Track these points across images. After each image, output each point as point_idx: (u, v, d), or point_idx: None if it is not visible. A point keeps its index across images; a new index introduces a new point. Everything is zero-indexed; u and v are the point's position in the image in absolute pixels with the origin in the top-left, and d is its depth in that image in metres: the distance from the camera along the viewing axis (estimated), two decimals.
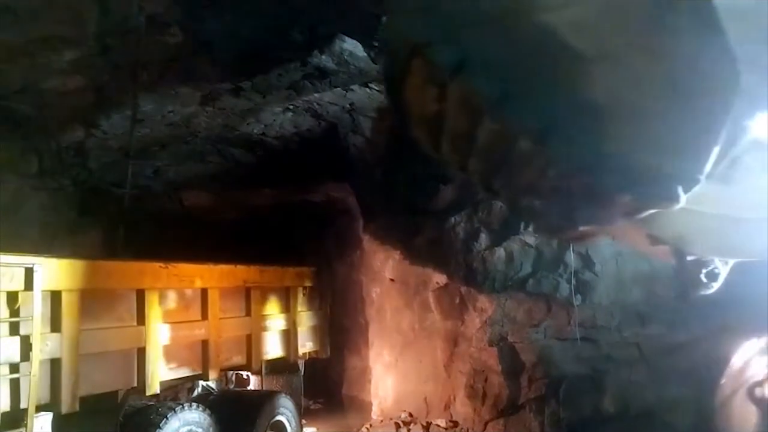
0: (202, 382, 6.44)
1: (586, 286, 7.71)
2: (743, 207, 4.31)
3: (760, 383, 4.78)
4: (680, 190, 3.84)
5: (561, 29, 4.04)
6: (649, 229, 4.50)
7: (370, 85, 8.34)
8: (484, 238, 7.73)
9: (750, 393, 4.82)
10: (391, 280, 9.16)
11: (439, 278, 8.60)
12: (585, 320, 7.45)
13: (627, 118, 3.99)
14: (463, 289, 8.37)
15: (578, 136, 3.93)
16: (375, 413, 9.14)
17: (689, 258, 4.52)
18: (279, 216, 10.29)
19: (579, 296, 7.71)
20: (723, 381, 5.33)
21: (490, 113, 4.35)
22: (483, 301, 8.19)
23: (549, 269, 7.86)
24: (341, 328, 9.39)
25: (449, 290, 8.52)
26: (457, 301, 8.40)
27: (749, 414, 4.92)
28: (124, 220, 8.92)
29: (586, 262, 7.46)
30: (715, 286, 4.49)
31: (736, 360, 5.36)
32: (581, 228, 4.74)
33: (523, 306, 8.01)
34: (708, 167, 3.89)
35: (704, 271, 4.45)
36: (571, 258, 7.45)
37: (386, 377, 9.20)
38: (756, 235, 4.28)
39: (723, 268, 4.49)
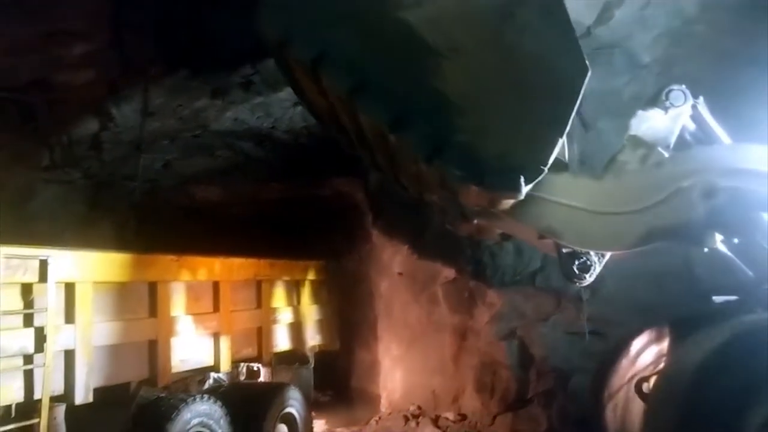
0: (213, 374, 6.46)
1: (596, 280, 7.71)
2: (613, 202, 4.42)
3: (646, 378, 4.89)
4: (522, 180, 3.98)
5: (416, 25, 4.25)
6: (524, 222, 4.62)
7: None
8: None
9: (637, 388, 4.95)
10: (400, 274, 9.18)
11: (448, 272, 8.61)
12: (594, 314, 7.44)
13: (474, 110, 4.15)
14: (472, 283, 8.39)
15: (429, 127, 4.13)
16: (384, 406, 9.16)
17: (564, 250, 4.64)
18: (288, 210, 10.30)
19: (588, 291, 7.72)
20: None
21: (348, 104, 4.48)
22: (491, 295, 8.20)
23: (557, 263, 7.87)
24: (350, 322, 9.41)
25: (458, 284, 8.54)
26: (466, 295, 8.42)
27: (636, 408, 5.03)
28: (134, 213, 9.00)
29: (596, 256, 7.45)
30: (588, 277, 4.60)
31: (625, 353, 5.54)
32: (476, 221, 4.86)
33: (532, 300, 8.02)
34: (551, 159, 4.05)
35: (577, 262, 4.57)
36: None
37: (395, 370, 9.23)
38: (623, 230, 4.37)
39: (597, 261, 4.59)
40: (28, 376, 4.72)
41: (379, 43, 4.30)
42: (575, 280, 4.64)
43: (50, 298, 4.82)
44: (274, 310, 7.62)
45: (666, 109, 4.62)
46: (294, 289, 8.13)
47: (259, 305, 7.37)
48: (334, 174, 9.26)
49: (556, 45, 4.16)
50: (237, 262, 7.04)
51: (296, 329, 8.05)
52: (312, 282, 8.54)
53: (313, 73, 4.45)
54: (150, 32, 6.36)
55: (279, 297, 7.81)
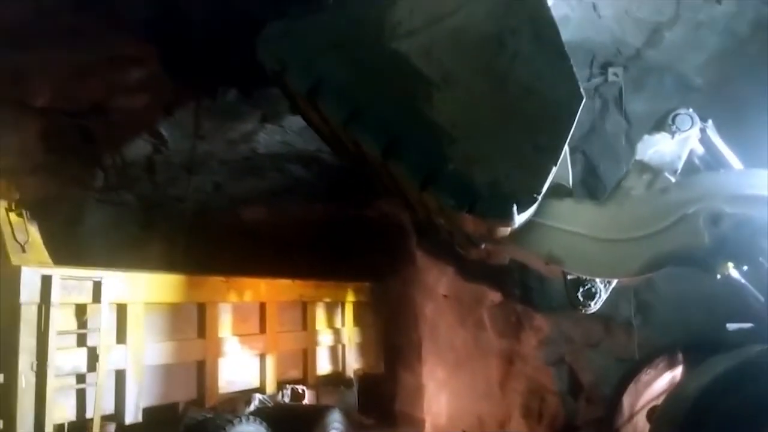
0: (259, 396, 6.49)
1: (647, 305, 7.55)
2: (616, 229, 4.37)
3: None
4: (515, 209, 3.98)
5: (411, 55, 4.35)
6: (526, 248, 4.60)
7: None
8: None
9: (648, 415, 4.79)
10: (445, 296, 9.12)
11: (494, 296, 8.52)
12: (645, 340, 7.27)
13: (466, 138, 4.19)
14: (519, 307, 8.29)
15: (421, 155, 4.19)
16: (428, 430, 9.06)
17: (569, 277, 4.57)
18: (333, 231, 10.35)
19: (639, 316, 7.56)
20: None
21: (343, 132, 4.57)
22: (539, 319, 8.09)
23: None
24: (394, 345, 9.35)
25: (504, 308, 8.45)
26: (513, 319, 8.32)
27: None
28: (184, 234, 9.14)
29: (647, 281, 7.30)
30: (593, 305, 4.55)
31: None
32: (484, 246, 4.79)
33: (580, 325, 7.88)
34: (545, 187, 4.04)
35: (582, 289, 4.52)
36: None
37: (440, 394, 9.13)
38: (626, 256, 4.31)
39: (602, 289, 4.53)
40: (81, 395, 4.82)
41: (373, 72, 4.41)
42: (580, 307, 4.60)
43: (103, 319, 4.93)
44: (319, 332, 7.64)
45: (673, 133, 4.57)
46: (339, 311, 8.14)
47: (304, 327, 7.40)
48: (378, 195, 9.29)
49: (549, 73, 4.17)
50: (283, 283, 7.09)
51: (341, 351, 8.04)
52: (356, 304, 8.53)
53: (310, 102, 4.60)
54: (201, 58, 6.50)
55: (324, 319, 7.82)
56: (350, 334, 8.26)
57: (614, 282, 4.58)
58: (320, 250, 9.83)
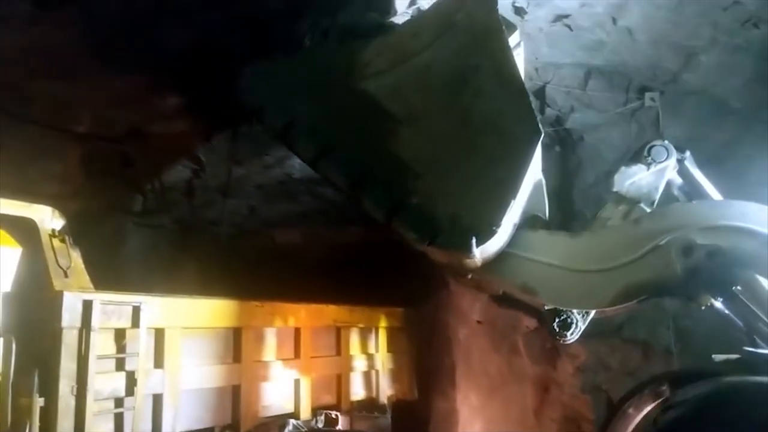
0: (293, 421, 6.47)
1: (686, 332, 7.41)
2: (589, 259, 4.34)
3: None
4: (474, 241, 4.01)
5: (378, 94, 4.51)
6: (500, 279, 4.62)
7: None
8: None
9: None
10: (479, 322, 9.03)
11: (529, 321, 8.43)
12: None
13: (429, 173, 4.30)
14: None
15: (385, 190, 4.34)
16: None
17: (546, 307, 4.62)
18: (366, 254, 10.36)
19: (678, 343, 7.42)
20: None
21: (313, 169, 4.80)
22: (575, 346, 7.96)
23: (646, 314, 7.61)
24: (427, 370, 9.27)
25: (539, 334, 8.33)
26: (548, 345, 8.21)
27: None
28: (218, 257, 9.24)
29: (686, 307, 7.17)
30: (570, 335, 4.57)
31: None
32: (470, 277, 4.82)
33: (617, 353, 7.77)
34: (503, 220, 4.07)
35: (557, 320, 4.55)
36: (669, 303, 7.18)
37: (474, 421, 9.01)
38: (599, 287, 4.27)
39: (580, 319, 4.55)
40: (119, 419, 4.85)
41: (343, 111, 4.62)
42: (557, 337, 4.61)
43: (141, 344, 4.97)
44: (352, 358, 7.62)
45: (648, 165, 4.61)
46: (372, 336, 8.12)
47: (338, 352, 7.39)
48: None
49: (509, 109, 4.28)
50: (317, 308, 7.10)
51: (374, 377, 8.00)
52: (390, 329, 8.50)
53: (284, 140, 4.82)
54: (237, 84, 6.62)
55: (358, 344, 7.80)
56: (383, 359, 8.22)
57: (592, 313, 4.58)
58: (353, 274, 9.84)
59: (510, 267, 4.47)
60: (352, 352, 7.62)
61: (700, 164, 7.16)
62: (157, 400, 5.16)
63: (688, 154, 4.78)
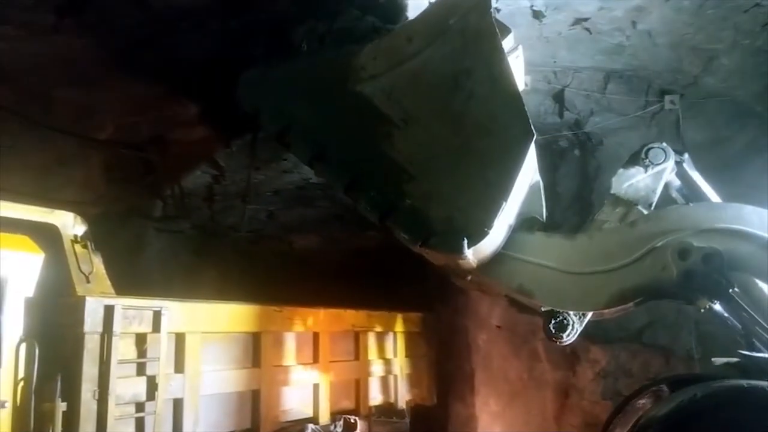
0: (312, 426, 6.49)
1: (709, 337, 7.31)
2: (585, 262, 4.36)
3: None
4: (465, 243, 4.04)
5: (371, 97, 4.55)
6: (497, 280, 4.64)
7: None
8: None
9: None
10: (498, 327, 9.00)
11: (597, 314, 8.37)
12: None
13: (423, 175, 4.34)
14: None
15: (379, 192, 4.39)
16: None
17: (543, 309, 4.55)
18: (384, 259, 10.36)
19: (700, 349, 7.34)
20: None
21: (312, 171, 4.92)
22: (595, 351, 7.92)
23: (667, 319, 7.54)
24: (446, 375, 9.26)
25: None
26: (568, 351, 8.14)
27: None
28: (237, 262, 9.31)
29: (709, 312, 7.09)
30: (566, 337, 4.49)
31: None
32: (470, 278, 4.85)
33: (638, 358, 7.69)
34: (495, 221, 4.08)
35: (553, 321, 4.46)
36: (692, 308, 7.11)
37: (493, 427, 8.98)
38: (595, 289, 4.29)
39: (576, 321, 4.48)
40: (140, 423, 4.88)
41: (338, 114, 4.70)
42: (553, 339, 4.57)
43: (162, 348, 5.01)
44: (371, 362, 7.61)
45: (646, 167, 4.62)
46: (391, 340, 8.11)
47: (356, 357, 7.38)
48: None
49: (502, 112, 4.29)
50: (336, 312, 7.11)
51: (393, 382, 7.99)
52: (408, 334, 8.48)
53: (281, 143, 4.94)
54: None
55: (376, 349, 7.80)
56: (402, 364, 8.21)
57: (589, 315, 4.57)
58: (371, 278, 9.86)
59: (506, 269, 4.51)
60: (370, 357, 7.61)
61: (721, 167, 7.13)
62: (178, 404, 5.19)
63: (686, 156, 4.78)
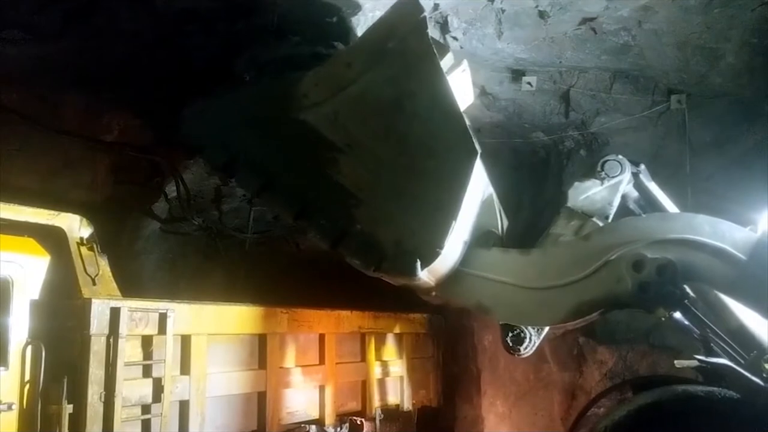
0: (317, 427, 6.50)
1: None
2: (541, 277, 4.32)
3: None
4: (419, 265, 4.03)
5: (315, 124, 4.53)
6: (455, 298, 4.63)
7: (480, 130, 8.37)
8: None
9: None
10: None
11: (555, 328, 8.34)
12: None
13: (371, 199, 4.34)
14: (581, 339, 8.09)
15: (328, 219, 4.37)
16: None
17: (501, 322, 4.57)
18: None
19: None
20: None
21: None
22: (602, 352, 7.88)
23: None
24: (452, 376, 9.26)
25: (566, 340, 8.25)
26: (575, 351, 8.12)
27: None
28: (244, 263, 9.30)
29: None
30: (524, 350, 4.50)
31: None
32: (434, 294, 4.82)
33: (646, 359, 7.65)
34: (446, 241, 4.06)
35: (510, 334, 4.49)
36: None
37: (500, 427, 8.96)
38: (551, 304, 4.25)
39: (534, 334, 4.50)
40: (146, 425, 4.92)
41: (283, 144, 4.65)
42: (512, 352, 4.57)
43: (168, 350, 5.02)
44: (377, 364, 7.62)
45: (602, 179, 4.62)
46: (397, 342, 8.11)
47: (362, 358, 7.39)
48: None
49: (444, 132, 4.30)
50: (342, 314, 7.12)
51: (399, 383, 7.99)
52: (414, 335, 8.49)
53: (227, 176, 4.97)
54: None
55: (382, 350, 7.80)
56: (408, 365, 8.21)
57: (546, 329, 4.57)
58: (376, 280, 9.84)
59: (464, 286, 4.48)
60: (376, 359, 7.62)
61: (728, 168, 7.09)
62: (184, 406, 5.22)
63: (642, 167, 4.76)
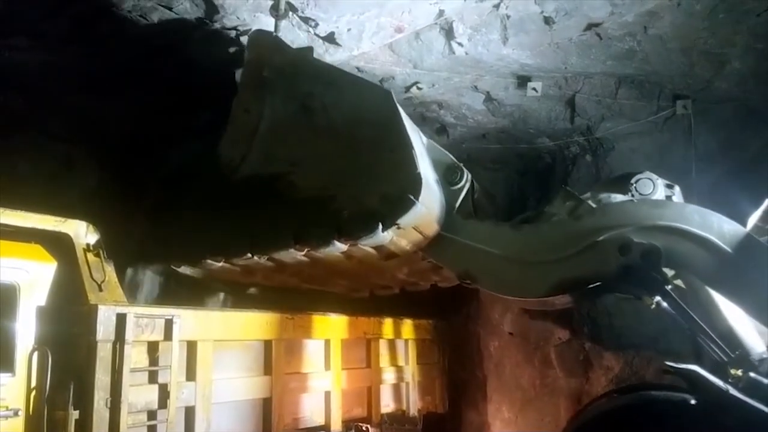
0: None
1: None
2: (528, 251, 4.59)
3: None
4: (411, 199, 4.34)
5: (255, 170, 5.09)
6: (443, 263, 5.03)
7: (486, 136, 8.38)
8: None
9: None
10: (510, 333, 8.95)
11: (561, 333, 8.32)
12: None
13: (340, 187, 4.72)
14: (587, 344, 8.06)
15: (319, 226, 4.73)
16: None
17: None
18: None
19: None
20: None
21: None
22: (609, 358, 7.85)
23: (682, 326, 7.46)
24: (458, 382, 9.23)
25: (572, 346, 8.23)
26: (581, 357, 8.09)
27: None
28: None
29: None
30: None
31: None
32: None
33: (653, 365, 7.60)
34: (418, 165, 4.43)
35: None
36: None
37: None
38: (535, 278, 4.51)
39: None
40: (152, 431, 4.89)
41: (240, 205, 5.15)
42: None
43: (174, 356, 5.01)
44: (382, 370, 7.59)
45: (632, 195, 4.73)
46: (402, 348, 8.08)
47: (368, 364, 7.36)
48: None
49: (355, 97, 4.77)
50: (347, 320, 7.09)
51: (404, 389, 7.96)
52: (420, 341, 8.46)
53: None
54: None
55: (388, 356, 7.77)
56: (414, 371, 8.18)
57: None
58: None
59: (454, 252, 4.75)
60: (382, 364, 7.59)
61: (735, 172, 7.06)
62: (190, 412, 5.18)
63: (677, 189, 4.81)
